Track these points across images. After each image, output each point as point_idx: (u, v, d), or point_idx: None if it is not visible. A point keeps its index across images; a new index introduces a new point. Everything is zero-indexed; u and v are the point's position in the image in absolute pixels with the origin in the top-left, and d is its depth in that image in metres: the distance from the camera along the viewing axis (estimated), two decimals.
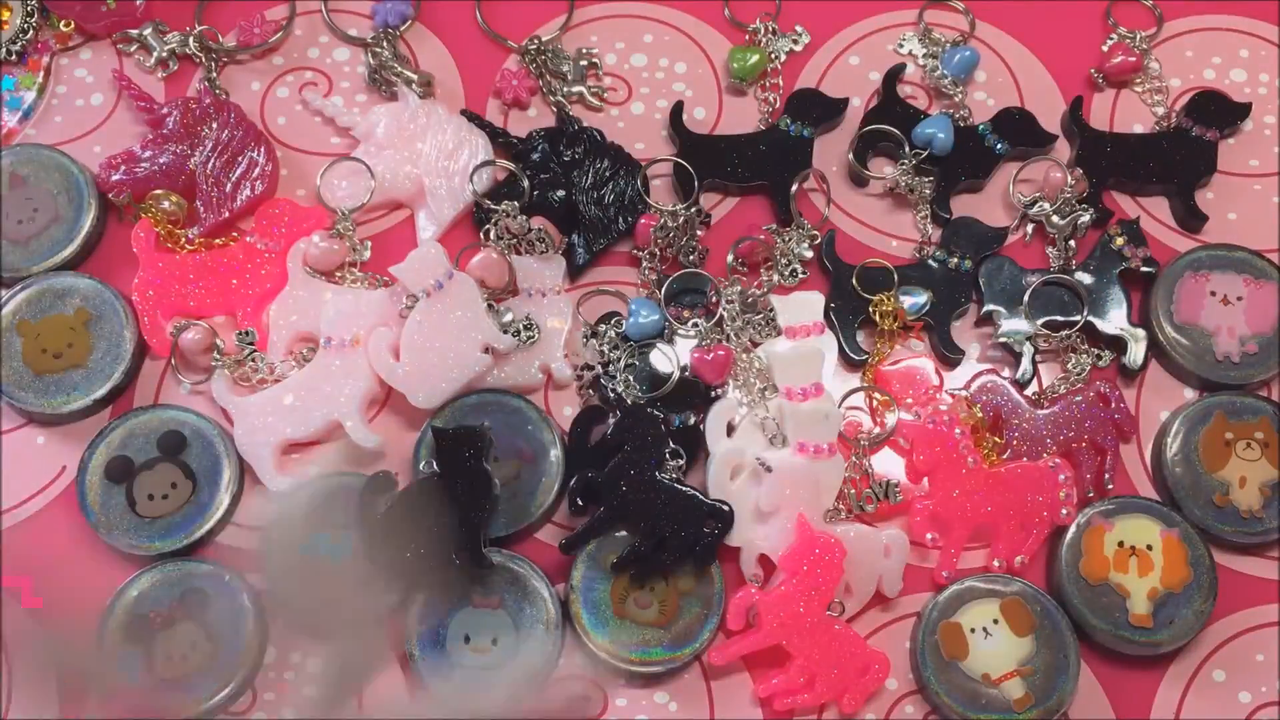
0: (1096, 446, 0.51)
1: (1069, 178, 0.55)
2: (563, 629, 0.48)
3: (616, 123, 0.58)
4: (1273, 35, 0.59)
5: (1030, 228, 0.56)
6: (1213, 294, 0.54)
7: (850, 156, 0.56)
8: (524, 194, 0.55)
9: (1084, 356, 0.53)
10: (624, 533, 0.49)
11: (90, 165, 0.56)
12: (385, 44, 0.58)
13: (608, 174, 0.55)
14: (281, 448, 0.51)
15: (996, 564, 0.50)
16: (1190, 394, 0.53)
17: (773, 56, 0.59)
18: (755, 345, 0.52)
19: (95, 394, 0.52)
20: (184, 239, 0.55)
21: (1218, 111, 0.57)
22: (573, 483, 0.49)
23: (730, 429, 0.51)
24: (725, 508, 0.48)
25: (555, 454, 0.50)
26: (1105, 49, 0.59)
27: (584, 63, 0.58)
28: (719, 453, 0.50)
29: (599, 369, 0.52)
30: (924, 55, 0.59)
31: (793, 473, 0.49)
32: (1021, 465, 0.51)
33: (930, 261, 0.55)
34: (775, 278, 0.54)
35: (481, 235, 0.54)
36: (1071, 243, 0.55)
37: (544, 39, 0.58)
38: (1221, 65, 0.59)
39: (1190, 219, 0.56)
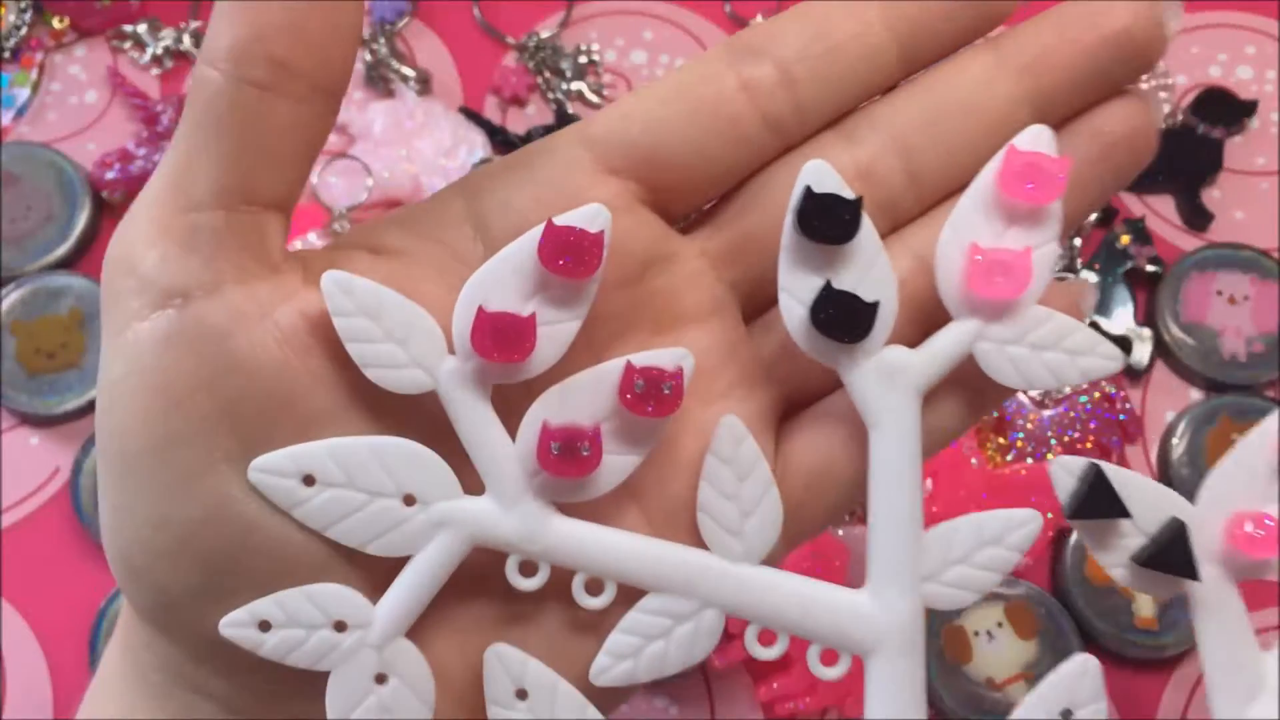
0: (1101, 448, 0.51)
1: None
2: None
3: None
4: (1278, 32, 0.59)
5: None
6: (1219, 293, 0.53)
7: None
8: None
9: None
10: None
11: (84, 163, 0.55)
12: (382, 40, 0.58)
13: None
14: None
15: None
16: (1196, 394, 0.53)
17: None
18: None
19: (89, 394, 0.52)
20: None
21: (1224, 109, 0.56)
22: None
23: None
24: None
25: None
26: None
27: (583, 59, 0.58)
28: None
29: None
30: None
31: None
32: (1026, 466, 0.50)
33: None
34: None
35: None
36: (1076, 241, 0.54)
37: (543, 35, 0.58)
38: (1227, 62, 0.58)
39: (1196, 218, 0.55)
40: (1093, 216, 0.54)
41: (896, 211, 0.29)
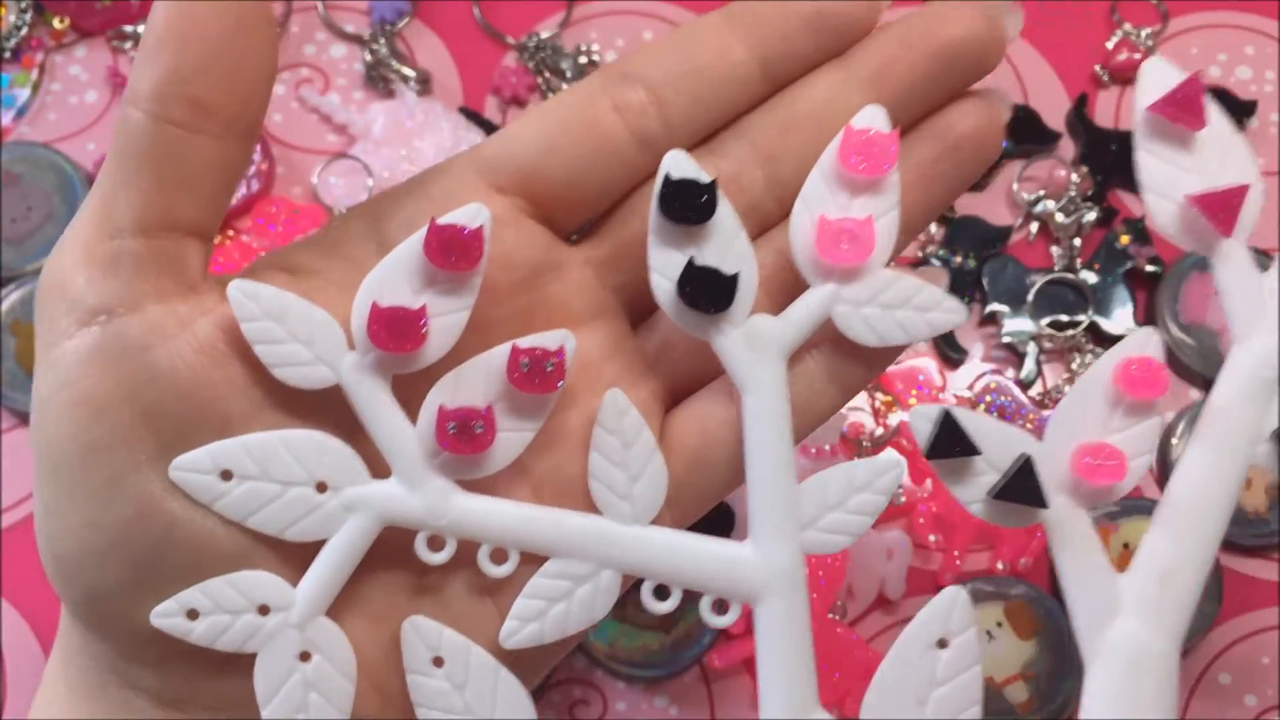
0: None
1: (1074, 176, 0.55)
2: None
3: None
4: (1279, 32, 0.59)
5: (1034, 226, 0.55)
6: (1219, 293, 0.53)
7: None
8: None
9: (1089, 357, 0.53)
10: None
11: (84, 163, 0.55)
12: (382, 41, 0.58)
13: None
14: None
15: (1000, 566, 0.50)
16: (1196, 394, 0.53)
17: None
18: None
19: None
20: None
21: (1224, 109, 0.56)
22: None
23: None
24: (728, 508, 0.48)
25: None
26: (1110, 46, 0.58)
27: (583, 60, 0.58)
28: None
29: None
30: None
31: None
32: None
33: (933, 260, 0.54)
34: None
35: None
36: (1076, 241, 0.54)
37: (543, 35, 0.58)
38: (1227, 62, 0.58)
39: None
40: (1093, 216, 0.54)
41: (761, 215, 0.31)
